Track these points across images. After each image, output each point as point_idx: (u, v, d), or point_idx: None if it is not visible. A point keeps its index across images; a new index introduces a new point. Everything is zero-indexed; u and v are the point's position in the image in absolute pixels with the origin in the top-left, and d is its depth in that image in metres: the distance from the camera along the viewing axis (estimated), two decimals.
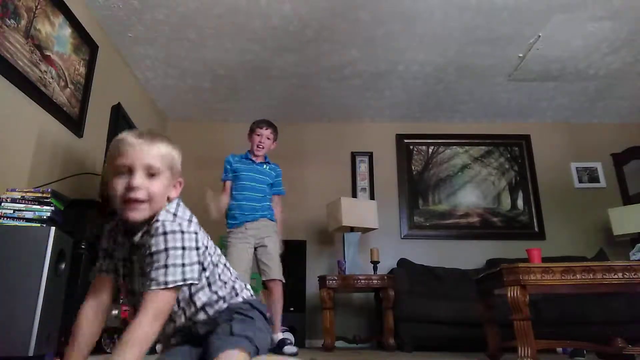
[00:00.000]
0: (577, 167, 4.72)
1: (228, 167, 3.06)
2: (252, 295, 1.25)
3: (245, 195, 2.96)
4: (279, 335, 2.84)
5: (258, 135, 3.05)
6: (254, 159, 3.07)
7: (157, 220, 1.05)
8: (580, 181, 4.68)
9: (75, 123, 2.95)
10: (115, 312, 2.54)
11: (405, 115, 4.78)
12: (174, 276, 1.00)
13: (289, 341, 2.82)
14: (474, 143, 4.85)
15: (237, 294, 1.20)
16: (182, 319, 1.14)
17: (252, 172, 3.03)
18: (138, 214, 1.03)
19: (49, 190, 1.95)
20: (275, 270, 2.88)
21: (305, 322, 3.84)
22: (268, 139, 3.06)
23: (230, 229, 2.94)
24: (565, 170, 4.73)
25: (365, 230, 4.08)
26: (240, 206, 2.94)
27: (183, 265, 1.01)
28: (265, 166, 3.11)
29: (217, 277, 1.16)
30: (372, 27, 3.38)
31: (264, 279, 2.92)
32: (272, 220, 3.00)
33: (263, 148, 3.05)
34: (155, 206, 1.05)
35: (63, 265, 1.84)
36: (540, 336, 2.21)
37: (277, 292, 2.87)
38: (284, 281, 2.92)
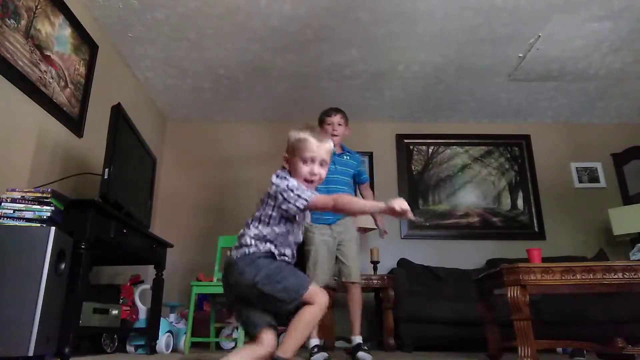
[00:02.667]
0: (577, 167, 4.72)
1: None
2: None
3: (331, 190, 2.69)
4: (356, 339, 2.80)
5: (329, 124, 2.91)
6: (336, 152, 2.90)
7: None
8: (580, 181, 4.68)
9: (75, 123, 2.95)
10: (115, 312, 2.54)
11: (405, 115, 4.78)
12: None
13: (364, 347, 2.74)
14: (474, 143, 4.85)
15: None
16: None
17: (333, 165, 2.80)
18: None
19: (49, 190, 1.95)
20: (354, 273, 2.80)
21: None
22: (339, 124, 2.92)
23: (314, 224, 2.78)
24: (565, 170, 4.73)
25: (365, 230, 4.08)
26: (316, 211, 2.78)
27: None
28: (345, 157, 2.95)
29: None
30: (372, 27, 3.38)
31: (343, 280, 2.83)
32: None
33: (337, 136, 2.89)
34: None
35: (63, 265, 1.84)
36: (540, 336, 2.21)
37: (357, 294, 2.81)
38: (361, 283, 2.87)
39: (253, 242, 1.45)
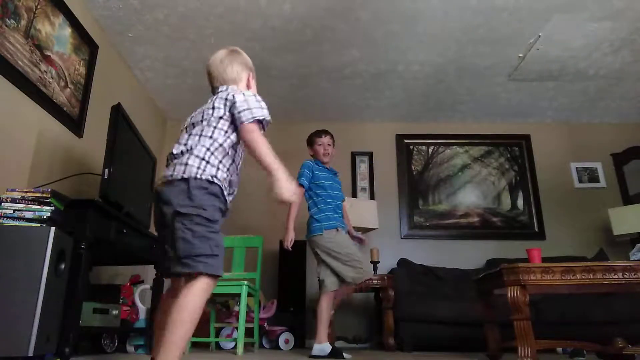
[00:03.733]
0: (577, 167, 4.72)
1: (309, 173, 3.04)
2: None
3: (336, 204, 3.03)
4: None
5: (319, 145, 3.11)
6: (328, 167, 3.13)
7: None
8: (580, 181, 4.68)
9: (75, 123, 2.95)
10: (115, 312, 2.54)
11: (405, 115, 4.78)
12: None
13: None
14: (474, 143, 4.85)
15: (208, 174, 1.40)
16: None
17: (334, 182, 3.09)
18: None
19: (49, 190, 1.95)
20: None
21: (305, 322, 3.84)
22: (329, 145, 3.13)
23: (331, 229, 2.92)
24: (565, 170, 4.73)
25: (365, 230, 4.08)
26: (336, 214, 3.01)
27: None
28: (337, 176, 3.19)
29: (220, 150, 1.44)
30: (372, 27, 3.38)
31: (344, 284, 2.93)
32: None
33: (329, 155, 3.12)
34: None
35: (63, 265, 1.84)
36: (540, 336, 2.21)
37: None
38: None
39: (203, 164, 1.39)
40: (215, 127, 1.45)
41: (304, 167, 3.05)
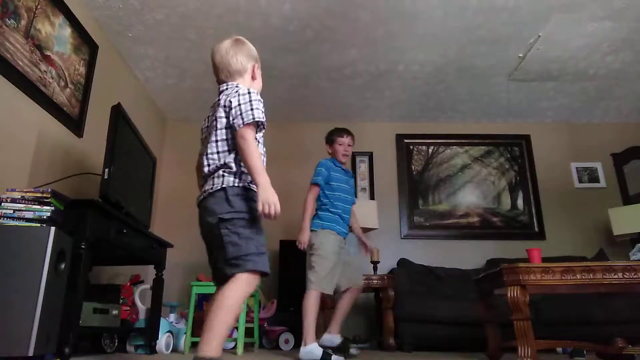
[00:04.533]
0: (577, 167, 4.72)
1: (325, 172, 2.94)
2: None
3: (345, 208, 2.95)
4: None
5: (340, 144, 3.03)
6: (344, 168, 3.06)
7: None
8: (580, 181, 4.68)
9: (75, 123, 2.95)
10: (115, 312, 2.54)
11: (405, 115, 4.78)
12: None
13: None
14: (474, 143, 4.85)
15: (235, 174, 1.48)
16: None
17: (347, 184, 3.01)
18: None
19: (49, 190, 1.95)
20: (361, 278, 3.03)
21: None
22: (349, 145, 3.05)
23: (329, 230, 2.83)
24: (565, 170, 4.73)
25: (365, 230, 4.08)
26: (342, 219, 2.92)
27: None
28: (351, 177, 3.12)
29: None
30: (372, 27, 3.38)
31: (351, 286, 2.89)
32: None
33: (348, 155, 3.05)
34: None
35: (63, 265, 1.84)
36: (540, 336, 2.21)
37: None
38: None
39: (231, 170, 1.47)
40: (226, 140, 1.51)
41: (321, 165, 2.96)
